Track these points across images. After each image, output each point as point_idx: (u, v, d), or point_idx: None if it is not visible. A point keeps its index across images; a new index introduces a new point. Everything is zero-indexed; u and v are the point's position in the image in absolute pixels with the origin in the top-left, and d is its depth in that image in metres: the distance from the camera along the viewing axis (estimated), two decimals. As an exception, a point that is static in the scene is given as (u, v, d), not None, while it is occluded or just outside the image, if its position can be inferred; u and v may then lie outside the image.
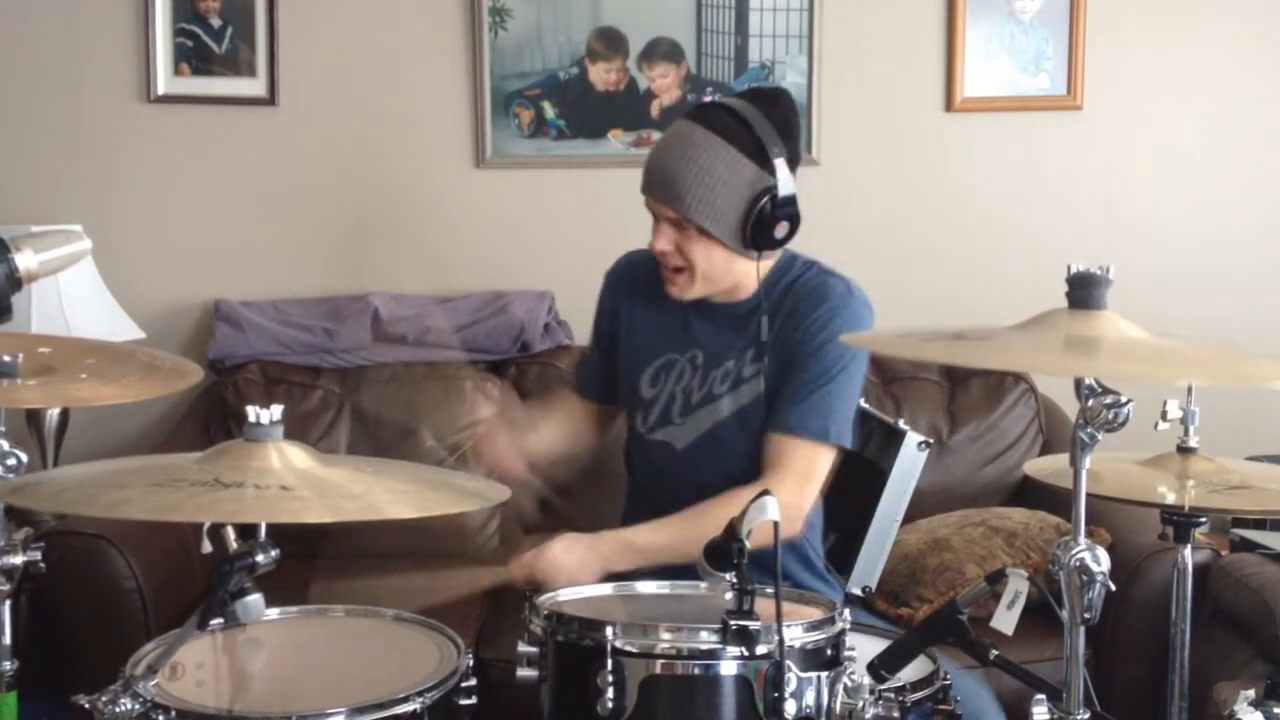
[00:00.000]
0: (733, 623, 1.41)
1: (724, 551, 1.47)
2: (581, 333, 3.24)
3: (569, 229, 3.40)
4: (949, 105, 3.39)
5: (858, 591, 2.10)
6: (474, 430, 2.05)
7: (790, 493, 1.90)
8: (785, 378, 2.00)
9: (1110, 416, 1.39)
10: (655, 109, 3.36)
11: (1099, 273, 1.44)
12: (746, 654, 1.41)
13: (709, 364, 2.08)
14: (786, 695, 1.41)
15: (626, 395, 2.18)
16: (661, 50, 3.34)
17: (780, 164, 1.94)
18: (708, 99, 3.24)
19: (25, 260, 1.40)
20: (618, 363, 2.20)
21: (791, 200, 1.95)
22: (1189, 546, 1.81)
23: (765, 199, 1.93)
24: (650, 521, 1.95)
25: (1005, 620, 1.71)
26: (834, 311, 2.00)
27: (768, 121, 1.95)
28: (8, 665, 1.54)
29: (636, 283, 2.17)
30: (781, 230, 1.97)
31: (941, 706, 1.56)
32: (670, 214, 1.97)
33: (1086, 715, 1.43)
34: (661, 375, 2.11)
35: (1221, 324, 3.26)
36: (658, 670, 1.42)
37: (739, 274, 2.04)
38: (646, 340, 2.14)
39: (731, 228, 1.95)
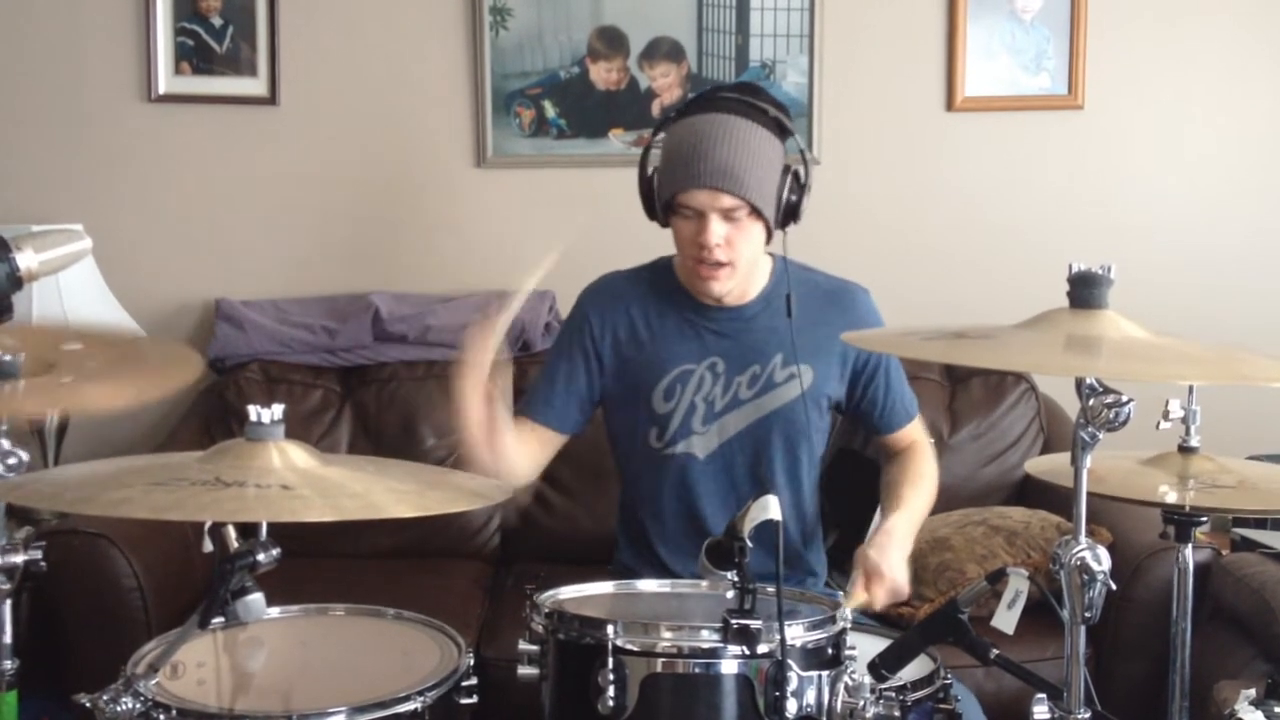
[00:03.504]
0: (734, 621, 1.41)
1: (725, 550, 1.47)
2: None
3: (569, 229, 3.39)
4: (950, 105, 3.38)
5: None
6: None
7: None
8: (870, 378, 2.11)
9: (1111, 416, 1.39)
10: (656, 108, 3.35)
11: (1100, 272, 1.44)
12: (748, 653, 1.41)
13: (731, 370, 2.07)
14: (788, 694, 1.41)
15: (627, 414, 2.12)
16: (662, 50, 3.34)
17: (791, 140, 2.00)
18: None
19: (26, 259, 1.40)
20: (613, 383, 2.12)
21: (804, 176, 2.01)
22: (1190, 546, 1.81)
23: (790, 174, 1.99)
24: (891, 507, 2.04)
25: (1006, 619, 1.72)
26: (871, 312, 2.14)
27: (768, 104, 1.99)
28: (8, 664, 1.53)
29: (626, 302, 2.13)
30: (803, 205, 2.01)
31: (942, 705, 1.56)
32: (727, 203, 1.94)
33: (1087, 714, 1.43)
34: (677, 387, 2.08)
35: (1221, 324, 3.26)
36: (659, 669, 1.42)
37: (758, 263, 2.07)
38: (654, 356, 2.09)
39: (773, 207, 1.98)
